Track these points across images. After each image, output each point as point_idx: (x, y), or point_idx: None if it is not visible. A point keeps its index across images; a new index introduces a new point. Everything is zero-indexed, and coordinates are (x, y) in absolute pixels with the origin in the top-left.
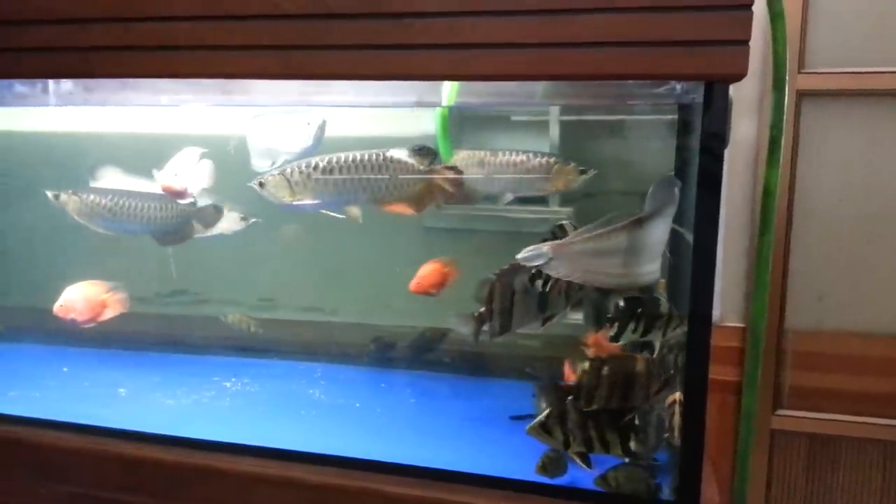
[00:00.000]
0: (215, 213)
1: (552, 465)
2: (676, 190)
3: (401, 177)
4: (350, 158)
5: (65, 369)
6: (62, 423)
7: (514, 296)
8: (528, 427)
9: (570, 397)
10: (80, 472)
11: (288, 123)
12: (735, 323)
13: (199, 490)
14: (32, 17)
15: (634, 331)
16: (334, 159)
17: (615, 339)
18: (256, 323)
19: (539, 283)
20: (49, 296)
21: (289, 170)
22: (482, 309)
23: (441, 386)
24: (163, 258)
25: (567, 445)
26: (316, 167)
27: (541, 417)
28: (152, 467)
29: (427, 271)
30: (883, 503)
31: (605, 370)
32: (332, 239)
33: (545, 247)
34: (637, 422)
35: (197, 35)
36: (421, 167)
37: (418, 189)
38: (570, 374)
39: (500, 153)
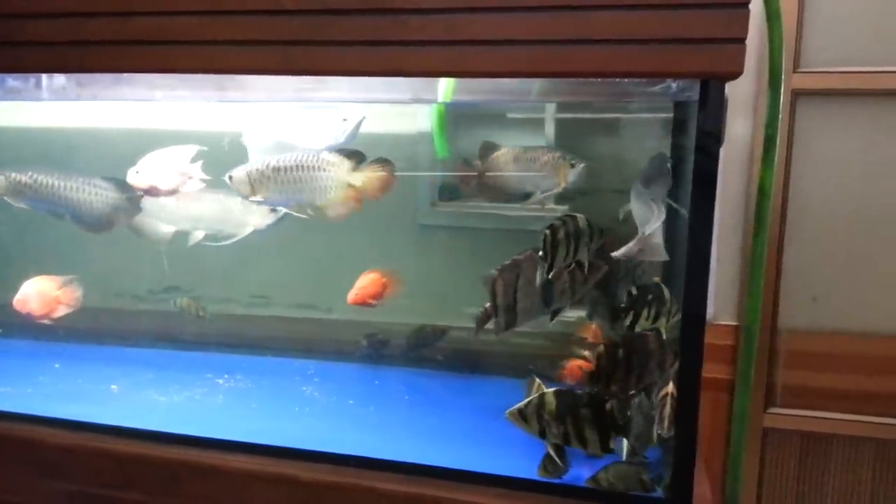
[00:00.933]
0: (132, 206)
1: (553, 466)
2: (668, 166)
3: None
4: (293, 159)
5: (57, 365)
6: (55, 420)
7: (517, 292)
8: (507, 412)
9: (552, 389)
10: (74, 469)
11: (316, 119)
12: (728, 321)
13: (192, 486)
14: (29, 11)
15: (647, 318)
16: (283, 159)
17: (632, 327)
18: (204, 309)
19: (544, 274)
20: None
21: (252, 168)
22: (486, 305)
23: (436, 383)
24: (156, 255)
25: (543, 435)
26: (270, 166)
27: (520, 404)
28: (145, 464)
29: (366, 282)
30: (874, 501)
31: (621, 352)
32: (326, 236)
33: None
34: (618, 420)
35: (194, 30)
36: (349, 168)
37: (346, 191)
38: (569, 373)
39: (530, 149)
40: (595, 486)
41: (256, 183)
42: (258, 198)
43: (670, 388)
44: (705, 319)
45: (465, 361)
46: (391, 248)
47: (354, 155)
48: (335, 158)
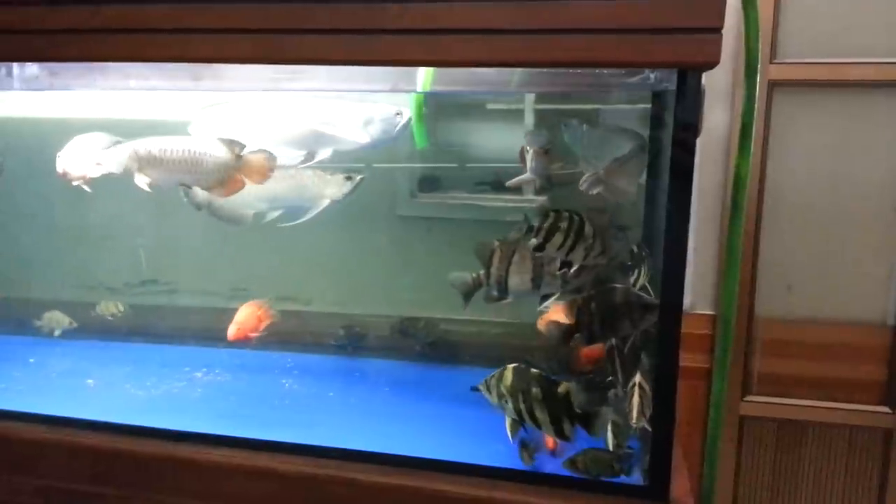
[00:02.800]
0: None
1: (589, 463)
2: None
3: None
4: (179, 142)
5: (31, 360)
6: (30, 415)
7: (511, 265)
8: (478, 384)
9: (513, 364)
10: (50, 464)
11: (364, 112)
12: (706, 310)
13: (171, 481)
14: None
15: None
16: (170, 142)
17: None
18: (118, 307)
19: (538, 255)
20: (14, 285)
21: (140, 147)
22: (480, 272)
23: (415, 373)
24: (133, 248)
25: (502, 408)
26: (158, 148)
27: (487, 377)
28: (123, 458)
29: (244, 316)
30: (847, 485)
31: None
32: (305, 228)
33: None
34: (575, 405)
35: (167, 19)
36: (231, 154)
37: (226, 174)
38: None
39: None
40: (571, 468)
41: (143, 161)
42: (143, 177)
43: (638, 378)
44: (682, 309)
45: (447, 351)
46: (371, 240)
47: (236, 143)
48: (219, 144)
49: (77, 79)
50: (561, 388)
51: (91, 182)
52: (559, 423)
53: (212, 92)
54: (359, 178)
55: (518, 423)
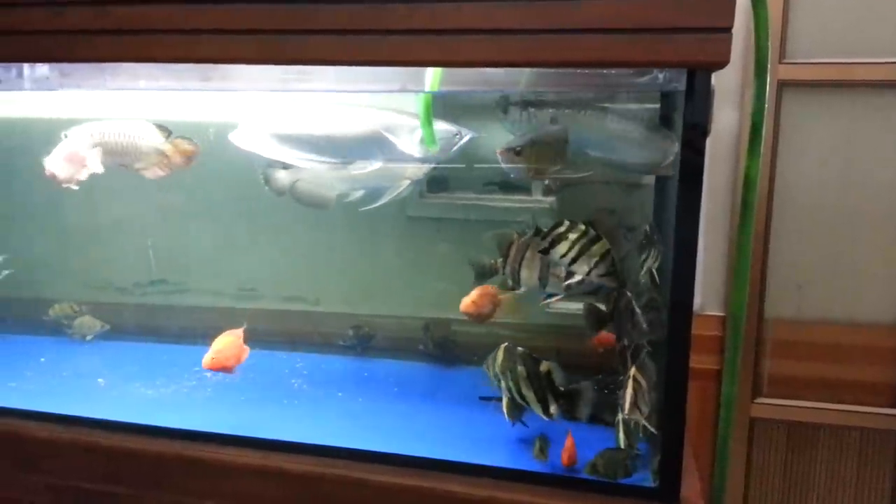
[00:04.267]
0: None
1: (606, 464)
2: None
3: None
4: (118, 127)
5: (42, 359)
6: (41, 414)
7: (524, 260)
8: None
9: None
10: (61, 463)
11: (412, 124)
12: (715, 312)
13: (181, 479)
14: (7, 0)
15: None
16: (110, 127)
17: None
18: (79, 306)
19: (547, 256)
20: (27, 285)
21: (90, 131)
22: (498, 259)
23: (424, 374)
24: (143, 248)
25: (497, 386)
26: (100, 132)
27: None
28: (133, 457)
29: (222, 345)
30: (858, 488)
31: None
32: (315, 227)
33: None
34: (556, 385)
35: (175, 19)
36: (160, 138)
37: (155, 157)
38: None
39: None
40: (593, 472)
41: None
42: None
43: (633, 371)
44: (692, 310)
45: (455, 352)
46: (381, 240)
47: (163, 129)
48: (150, 129)
49: (87, 79)
50: (542, 367)
51: (80, 183)
52: (545, 402)
53: (222, 92)
54: (468, 135)
55: (512, 403)
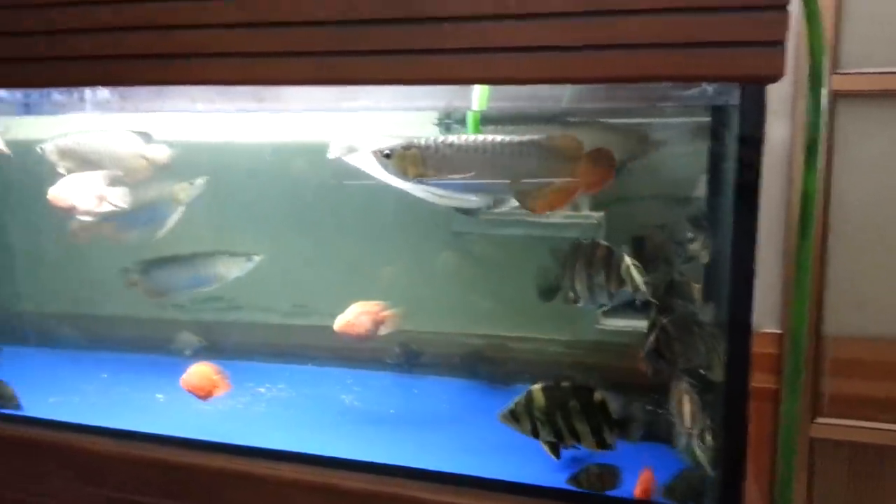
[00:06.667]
0: None
1: (590, 478)
2: None
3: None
4: (98, 137)
5: (104, 375)
6: (102, 429)
7: (579, 272)
8: (499, 414)
9: (539, 385)
10: (120, 477)
11: None
12: (771, 329)
13: (237, 495)
14: (71, 26)
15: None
16: (87, 137)
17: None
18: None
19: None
20: (86, 302)
21: (61, 142)
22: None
23: (474, 392)
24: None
25: (535, 434)
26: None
27: (510, 404)
28: (190, 472)
29: (197, 378)
30: None
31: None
32: (362, 243)
33: None
34: (612, 412)
35: (232, 43)
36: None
37: (140, 161)
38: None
39: None
40: (671, 497)
41: (63, 153)
42: (67, 165)
43: (685, 385)
44: (752, 329)
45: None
46: (426, 255)
47: (144, 134)
48: (130, 135)
49: (146, 102)
50: (597, 396)
51: (97, 215)
52: (600, 433)
53: (275, 113)
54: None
55: (556, 444)
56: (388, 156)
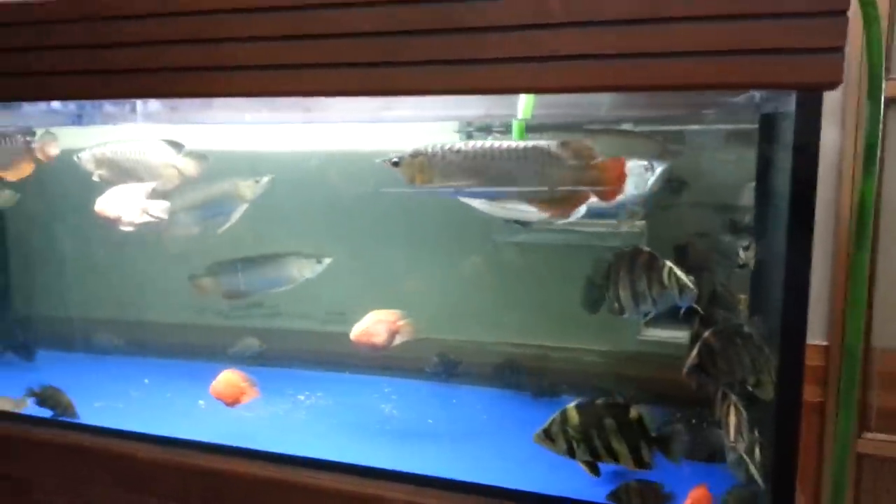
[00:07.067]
0: None
1: (630, 495)
2: None
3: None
4: (130, 145)
5: (146, 381)
6: (145, 435)
7: (622, 281)
8: (533, 435)
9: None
10: (162, 483)
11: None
12: (818, 341)
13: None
14: (121, 40)
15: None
16: (122, 145)
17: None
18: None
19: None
20: (131, 309)
21: (98, 150)
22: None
23: (513, 403)
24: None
25: (572, 453)
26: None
27: (544, 425)
28: (232, 479)
29: (223, 385)
30: None
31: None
32: (404, 252)
33: None
34: (649, 430)
35: (277, 54)
36: (172, 153)
37: (170, 170)
38: None
39: None
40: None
41: (99, 162)
42: (102, 173)
43: (733, 398)
44: (804, 342)
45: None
46: (467, 265)
47: (176, 144)
48: (162, 145)
49: (195, 113)
50: (633, 413)
51: (137, 227)
52: (637, 451)
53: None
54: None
55: (594, 464)
56: (396, 163)
